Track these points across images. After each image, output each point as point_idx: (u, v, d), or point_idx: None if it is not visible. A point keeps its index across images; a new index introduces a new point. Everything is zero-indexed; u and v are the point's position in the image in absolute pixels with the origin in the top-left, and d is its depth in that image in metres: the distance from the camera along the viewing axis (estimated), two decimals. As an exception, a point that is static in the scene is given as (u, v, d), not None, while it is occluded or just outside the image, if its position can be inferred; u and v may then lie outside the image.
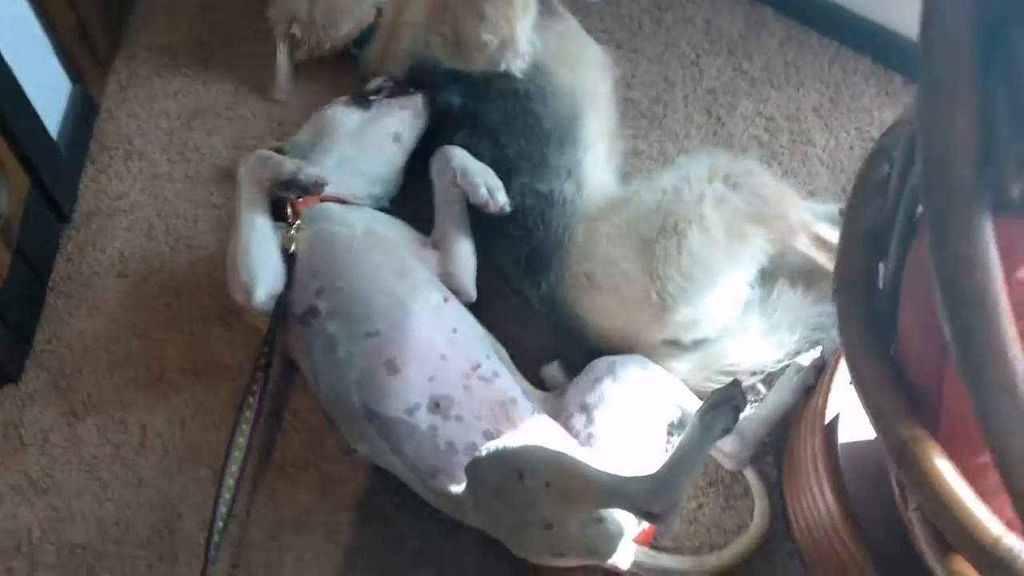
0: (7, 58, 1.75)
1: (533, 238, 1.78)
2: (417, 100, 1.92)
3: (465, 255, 1.80)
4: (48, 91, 1.97)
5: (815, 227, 1.74)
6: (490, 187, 1.76)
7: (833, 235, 1.71)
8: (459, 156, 1.78)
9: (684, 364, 1.75)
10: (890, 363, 1.15)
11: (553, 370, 1.82)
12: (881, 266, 1.22)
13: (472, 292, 1.80)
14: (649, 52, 2.19)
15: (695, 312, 1.71)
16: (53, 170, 1.91)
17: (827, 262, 1.72)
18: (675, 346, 1.76)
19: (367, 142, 1.88)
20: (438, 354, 1.61)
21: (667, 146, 2.07)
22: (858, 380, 1.17)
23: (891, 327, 1.18)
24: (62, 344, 1.86)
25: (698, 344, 1.77)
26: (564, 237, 1.76)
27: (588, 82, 1.91)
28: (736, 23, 2.23)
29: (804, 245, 1.73)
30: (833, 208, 1.84)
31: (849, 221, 1.27)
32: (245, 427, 1.64)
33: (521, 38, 1.85)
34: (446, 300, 1.71)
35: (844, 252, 1.26)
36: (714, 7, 2.25)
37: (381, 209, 1.88)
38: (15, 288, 1.77)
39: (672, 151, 2.07)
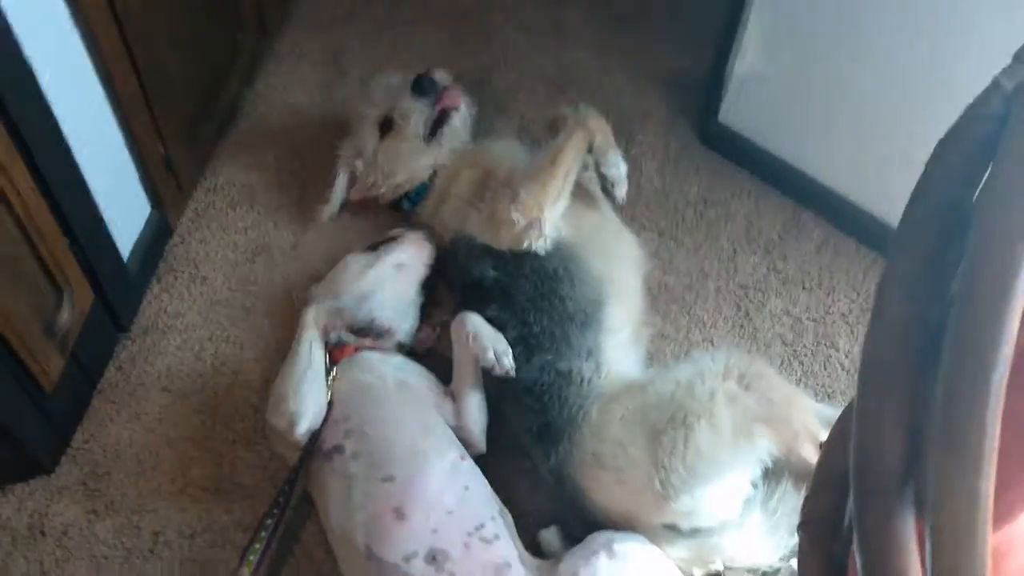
0: (93, 180, 1.92)
1: (548, 412, 1.86)
2: (418, 236, 2.11)
3: (476, 410, 1.93)
4: (128, 213, 2.14)
5: (821, 436, 1.78)
6: (498, 352, 1.87)
7: None
8: (473, 321, 1.91)
9: (681, 551, 1.79)
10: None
11: (550, 535, 1.87)
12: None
13: (482, 445, 1.92)
14: (689, 242, 2.30)
15: (694, 504, 1.75)
16: (118, 286, 2.07)
17: None
18: (673, 531, 1.80)
19: (374, 278, 2.05)
20: (445, 508, 1.69)
21: (693, 333, 2.16)
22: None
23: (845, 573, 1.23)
24: (98, 445, 1.98)
25: (697, 533, 1.80)
26: (578, 415, 1.84)
27: (618, 272, 2.02)
28: (776, 223, 2.33)
29: (808, 452, 1.77)
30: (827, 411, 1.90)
31: (824, 459, 1.33)
32: (252, 558, 1.71)
33: (548, 222, 1.97)
34: (463, 458, 1.81)
35: (814, 490, 1.31)
36: (757, 206, 2.36)
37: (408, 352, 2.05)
38: (64, 390, 1.91)
39: (697, 338, 2.15)
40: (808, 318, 2.18)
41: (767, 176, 2.40)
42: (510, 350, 1.88)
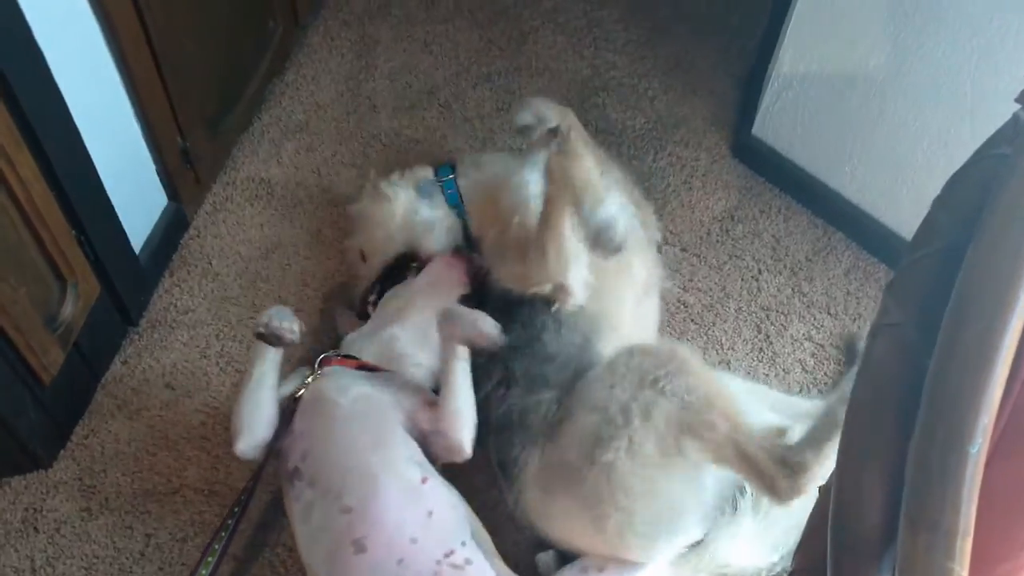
0: (106, 170, 1.90)
1: (504, 450, 1.79)
2: (445, 256, 2.02)
3: (459, 411, 1.76)
4: (142, 204, 2.13)
5: (745, 445, 1.59)
6: (483, 324, 1.75)
7: (763, 459, 1.57)
8: (453, 308, 1.82)
9: (676, 566, 1.73)
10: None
11: (547, 557, 1.83)
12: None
13: (466, 449, 1.75)
14: (712, 260, 2.22)
15: (648, 540, 1.67)
16: (128, 279, 2.05)
17: (758, 485, 1.61)
18: None
19: (394, 310, 1.96)
20: (408, 537, 1.59)
21: (710, 354, 2.09)
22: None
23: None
24: (97, 442, 1.96)
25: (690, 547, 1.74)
26: (527, 457, 1.75)
27: (617, 306, 1.89)
28: (805, 244, 2.25)
29: (732, 462, 1.60)
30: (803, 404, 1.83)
31: (821, 504, 1.26)
32: (204, 572, 1.68)
33: (574, 282, 1.81)
34: (424, 480, 1.67)
35: (807, 535, 1.24)
36: (786, 225, 2.28)
37: None
38: (64, 384, 1.89)
39: (714, 359, 2.08)
40: (831, 345, 2.10)
41: (798, 194, 2.31)
42: (495, 322, 1.76)
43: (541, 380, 1.78)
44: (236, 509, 1.72)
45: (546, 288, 1.82)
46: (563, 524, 1.73)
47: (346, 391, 1.77)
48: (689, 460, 1.60)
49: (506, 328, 1.78)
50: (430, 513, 1.64)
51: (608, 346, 1.81)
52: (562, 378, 1.77)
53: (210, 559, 1.67)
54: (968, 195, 1.04)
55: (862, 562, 0.95)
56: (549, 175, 1.79)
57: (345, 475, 1.66)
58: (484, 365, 1.82)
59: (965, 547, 0.82)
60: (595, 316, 1.84)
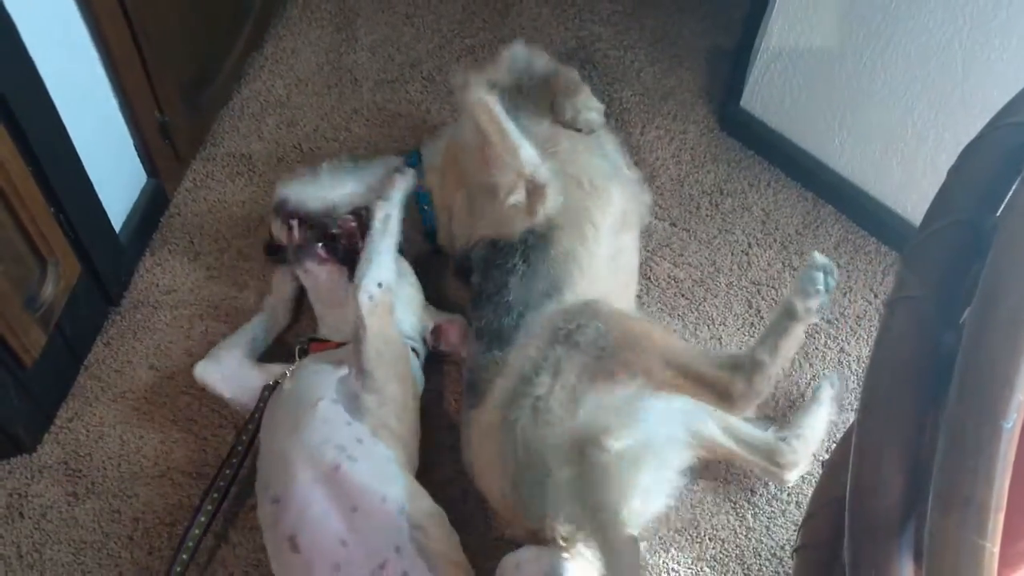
0: (83, 146, 1.85)
1: (464, 411, 1.83)
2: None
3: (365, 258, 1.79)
4: (121, 181, 2.08)
5: (681, 360, 1.61)
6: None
7: (708, 369, 1.58)
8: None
9: None
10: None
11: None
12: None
13: (355, 296, 1.73)
14: (702, 234, 2.20)
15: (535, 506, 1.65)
16: (108, 258, 2.00)
17: (710, 397, 1.61)
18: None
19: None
20: (337, 538, 1.52)
21: (701, 329, 2.07)
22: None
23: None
24: (81, 425, 1.92)
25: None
26: (467, 418, 1.79)
27: (589, 239, 1.85)
28: (795, 218, 2.23)
29: (674, 382, 1.61)
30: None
31: (825, 480, 1.25)
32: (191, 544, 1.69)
33: (535, 173, 1.83)
34: (337, 468, 1.57)
35: (812, 512, 1.23)
36: (775, 199, 2.26)
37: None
38: (47, 366, 1.85)
39: (705, 335, 2.06)
40: (822, 318, 2.08)
41: (788, 167, 2.29)
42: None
43: (496, 337, 1.78)
44: (215, 494, 1.73)
45: (519, 196, 1.83)
46: (486, 484, 1.74)
47: (296, 374, 1.76)
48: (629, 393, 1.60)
49: (487, 289, 1.84)
50: (354, 509, 1.55)
51: (577, 294, 1.78)
52: (516, 334, 1.77)
53: (190, 544, 1.65)
54: (984, 165, 1.03)
55: (881, 541, 0.93)
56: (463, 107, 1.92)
57: (270, 463, 1.65)
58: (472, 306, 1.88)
59: (997, 523, 0.81)
60: (566, 256, 1.82)
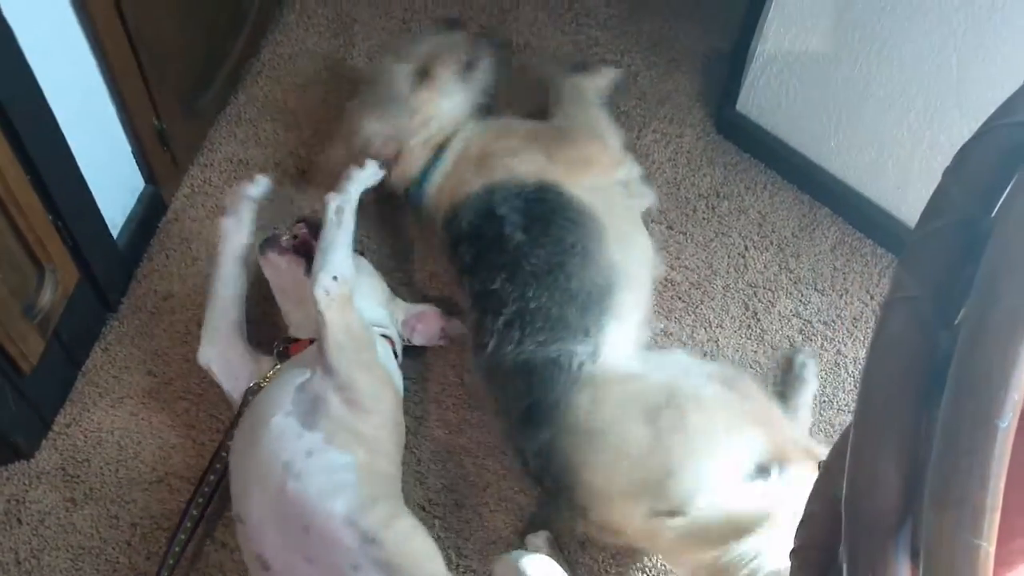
0: (81, 152, 1.85)
1: (534, 394, 1.77)
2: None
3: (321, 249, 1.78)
4: (119, 187, 2.08)
5: (814, 448, 1.71)
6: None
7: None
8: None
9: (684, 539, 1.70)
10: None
11: (540, 541, 1.81)
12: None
13: (312, 287, 1.71)
14: (699, 237, 2.21)
15: (696, 479, 1.68)
16: (106, 264, 2.01)
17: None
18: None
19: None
20: (302, 556, 1.50)
21: (698, 332, 2.08)
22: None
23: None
24: (79, 431, 1.92)
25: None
26: (569, 399, 1.75)
27: (632, 265, 1.92)
28: (791, 220, 2.24)
29: (798, 459, 1.69)
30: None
31: (821, 483, 1.25)
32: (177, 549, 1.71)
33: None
34: (283, 487, 1.55)
35: (808, 514, 1.23)
36: (771, 201, 2.26)
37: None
38: (45, 372, 1.85)
39: (702, 337, 2.07)
40: (819, 321, 2.09)
41: (784, 170, 2.30)
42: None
43: (562, 324, 1.80)
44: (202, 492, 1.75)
45: (613, 162, 2.07)
46: (614, 457, 1.72)
47: (271, 381, 1.76)
48: (745, 440, 1.71)
49: (532, 245, 1.85)
50: (306, 529, 1.53)
51: (625, 302, 1.87)
52: (586, 326, 1.81)
53: (177, 548, 1.66)
54: (980, 166, 1.03)
55: (878, 541, 0.93)
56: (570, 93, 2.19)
57: (233, 481, 1.66)
58: (500, 290, 1.83)
59: (993, 523, 0.81)
60: (615, 264, 1.88)
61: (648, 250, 2.01)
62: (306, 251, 1.91)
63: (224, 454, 1.77)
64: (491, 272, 1.86)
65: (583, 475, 1.73)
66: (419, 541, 1.59)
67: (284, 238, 1.94)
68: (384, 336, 1.87)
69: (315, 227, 1.90)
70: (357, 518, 1.54)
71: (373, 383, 1.71)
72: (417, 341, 1.98)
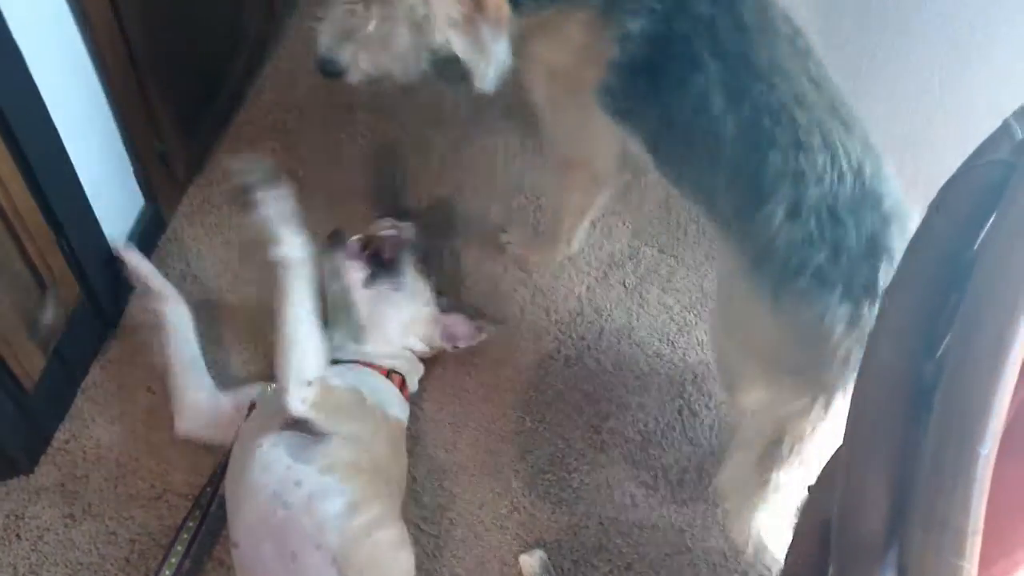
0: (83, 170, 1.88)
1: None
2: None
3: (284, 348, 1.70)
4: (119, 205, 2.10)
5: None
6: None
7: None
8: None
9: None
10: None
11: (533, 560, 1.84)
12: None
13: (288, 402, 1.64)
14: (689, 260, 2.25)
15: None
16: (106, 282, 2.03)
17: None
18: None
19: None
20: None
21: (690, 355, 2.11)
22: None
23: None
24: (78, 447, 1.94)
25: None
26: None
27: None
28: (781, 245, 2.27)
29: None
30: None
31: (810, 504, 1.28)
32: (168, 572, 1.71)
33: None
34: (274, 514, 1.57)
35: (799, 534, 1.26)
36: (762, 226, 2.30)
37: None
38: (46, 389, 1.87)
39: (694, 360, 2.10)
40: (809, 343, 2.13)
41: (773, 193, 2.33)
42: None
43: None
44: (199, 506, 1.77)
45: None
46: None
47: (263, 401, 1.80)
48: None
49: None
50: (293, 557, 1.56)
51: None
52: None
53: (173, 560, 1.68)
54: (963, 202, 1.07)
55: (866, 563, 0.97)
56: None
57: (227, 503, 1.69)
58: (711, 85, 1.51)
59: (975, 545, 0.85)
60: None
61: None
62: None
63: (221, 468, 1.79)
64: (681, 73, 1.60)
65: None
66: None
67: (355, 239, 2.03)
68: (394, 371, 1.91)
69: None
70: (339, 553, 1.57)
71: (364, 429, 1.74)
72: (461, 345, 2.05)
